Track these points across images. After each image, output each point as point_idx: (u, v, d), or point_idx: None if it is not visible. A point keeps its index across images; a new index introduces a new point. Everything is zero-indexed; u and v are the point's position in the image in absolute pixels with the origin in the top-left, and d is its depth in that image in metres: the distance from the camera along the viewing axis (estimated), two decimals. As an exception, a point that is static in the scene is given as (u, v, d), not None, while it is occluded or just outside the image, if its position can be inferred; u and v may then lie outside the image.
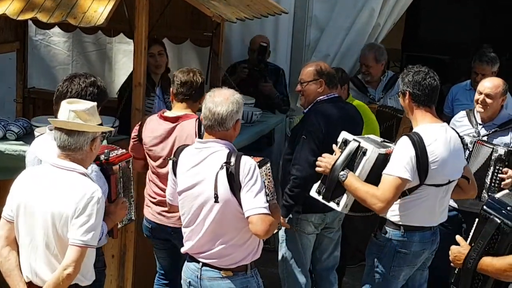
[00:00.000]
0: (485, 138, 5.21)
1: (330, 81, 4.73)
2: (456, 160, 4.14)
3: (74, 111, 3.41)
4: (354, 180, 4.04)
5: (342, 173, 4.07)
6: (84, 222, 3.33)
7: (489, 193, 4.94)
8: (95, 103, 3.54)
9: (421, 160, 3.95)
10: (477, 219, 3.47)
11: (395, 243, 4.15)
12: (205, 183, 3.62)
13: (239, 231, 3.62)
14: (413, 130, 4.09)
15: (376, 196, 3.96)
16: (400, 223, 4.11)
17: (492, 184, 4.98)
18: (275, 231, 3.91)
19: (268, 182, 3.73)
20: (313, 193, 4.27)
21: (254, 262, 3.76)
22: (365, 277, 4.32)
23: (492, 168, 4.94)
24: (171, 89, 4.58)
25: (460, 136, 4.24)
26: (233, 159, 3.57)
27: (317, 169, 4.22)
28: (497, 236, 3.37)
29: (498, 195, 3.50)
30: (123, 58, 6.67)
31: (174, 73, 4.59)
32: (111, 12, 4.48)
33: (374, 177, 4.04)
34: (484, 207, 3.43)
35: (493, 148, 4.95)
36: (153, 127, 4.52)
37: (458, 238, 3.57)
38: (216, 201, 3.56)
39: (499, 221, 3.35)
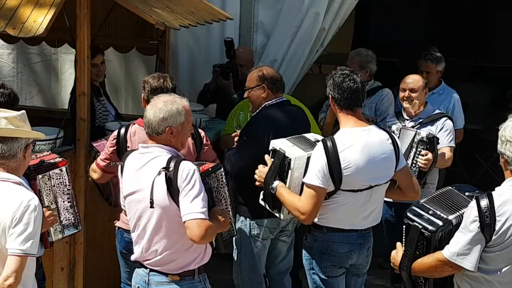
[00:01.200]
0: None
1: (273, 86, 4.72)
2: (380, 164, 4.02)
3: (6, 118, 3.38)
4: (282, 192, 4.05)
5: (272, 186, 4.09)
6: (22, 231, 3.28)
7: None
8: (24, 111, 3.51)
9: (333, 167, 3.89)
10: (404, 226, 3.48)
11: (320, 244, 4.12)
12: (145, 189, 3.61)
13: (182, 236, 3.60)
14: (333, 135, 4.07)
15: (298, 209, 3.97)
16: (322, 224, 4.09)
17: (412, 166, 5.18)
18: (227, 236, 3.96)
19: (221, 187, 3.73)
20: (260, 200, 4.28)
21: (203, 267, 3.75)
22: (308, 281, 4.31)
23: (414, 149, 5.17)
24: (142, 95, 4.52)
25: (391, 136, 4.14)
26: (172, 164, 3.56)
27: (256, 183, 4.24)
28: (422, 241, 3.40)
29: (422, 200, 3.51)
30: (70, 69, 6.61)
31: (144, 79, 4.54)
32: (51, 22, 4.44)
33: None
34: (407, 213, 3.43)
35: (416, 132, 5.24)
36: (141, 136, 4.30)
37: (398, 244, 3.57)
38: (152, 206, 3.55)
39: (420, 226, 3.38)
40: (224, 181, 3.75)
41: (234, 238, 4.93)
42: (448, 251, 3.31)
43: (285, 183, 4.09)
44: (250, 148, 4.55)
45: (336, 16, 6.38)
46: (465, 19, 10.28)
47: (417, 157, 5.21)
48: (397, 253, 3.57)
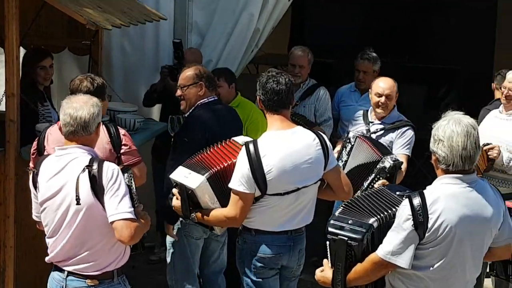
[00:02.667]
0: (374, 136, 5.41)
1: (210, 84, 4.75)
2: (305, 167, 4.01)
3: None
4: (203, 218, 4.08)
5: (191, 217, 4.11)
6: None
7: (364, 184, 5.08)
8: None
9: (256, 172, 3.89)
10: (328, 242, 3.47)
11: (250, 246, 4.13)
12: (67, 188, 3.56)
13: (104, 236, 3.58)
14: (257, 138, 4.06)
15: (227, 217, 3.99)
16: (250, 227, 4.09)
17: (368, 188, 5.06)
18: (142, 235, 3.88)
19: (132, 189, 3.69)
20: (195, 224, 4.30)
21: (121, 269, 3.72)
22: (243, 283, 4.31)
23: (373, 175, 5.03)
24: None
25: (319, 137, 4.09)
26: (95, 164, 3.54)
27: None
28: (351, 252, 3.41)
29: (337, 212, 3.51)
30: (0, 70, 6.45)
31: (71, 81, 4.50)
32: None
33: (226, 193, 4.03)
34: (329, 229, 3.44)
35: (381, 158, 5.03)
36: (56, 137, 4.33)
37: (324, 261, 3.57)
38: (78, 203, 3.51)
39: (346, 239, 3.39)
40: (133, 182, 3.69)
41: (167, 239, 4.92)
42: (382, 251, 3.34)
43: (200, 207, 4.09)
44: (187, 152, 4.51)
45: (270, 17, 6.41)
46: (399, 21, 10.44)
47: (374, 183, 5.08)
48: (325, 272, 3.53)
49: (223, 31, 6.35)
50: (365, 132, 5.47)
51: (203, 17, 6.39)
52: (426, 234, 3.29)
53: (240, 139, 4.23)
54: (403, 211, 3.32)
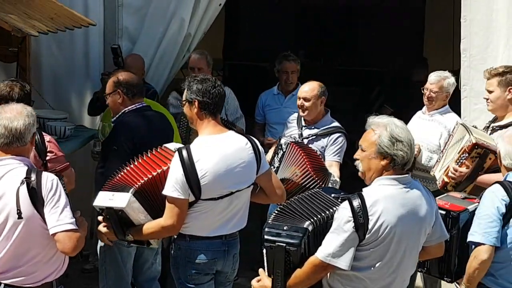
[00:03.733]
0: (305, 141, 5.44)
1: (129, 91, 4.70)
2: (238, 171, 4.00)
3: None
4: (138, 234, 4.01)
5: (127, 239, 4.04)
6: None
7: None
8: None
9: (191, 177, 3.85)
10: (264, 250, 3.46)
11: (184, 253, 4.10)
12: (5, 200, 3.49)
13: (44, 247, 3.53)
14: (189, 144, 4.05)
15: (163, 226, 3.93)
16: (185, 233, 4.05)
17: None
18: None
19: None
20: (130, 245, 4.27)
21: (59, 280, 3.68)
22: None
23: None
24: None
25: (251, 142, 4.10)
26: (33, 175, 3.48)
27: (109, 243, 4.20)
28: (289, 258, 3.41)
29: (270, 219, 3.50)
30: None
31: None
32: None
33: (157, 204, 3.99)
34: (265, 236, 3.42)
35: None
36: None
37: (260, 271, 3.56)
38: (20, 217, 3.44)
39: (284, 245, 3.38)
40: (66, 189, 3.63)
41: (98, 247, 4.86)
42: (322, 253, 3.37)
43: (133, 224, 4.01)
44: (117, 159, 4.46)
45: (201, 22, 6.40)
46: (332, 25, 10.61)
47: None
48: (263, 281, 3.52)
49: (154, 36, 6.32)
50: (297, 137, 5.51)
51: (133, 22, 6.35)
52: (367, 236, 3.33)
53: (172, 145, 4.18)
54: (343, 213, 3.34)
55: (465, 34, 5.65)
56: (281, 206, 3.58)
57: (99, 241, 4.78)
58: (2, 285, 3.58)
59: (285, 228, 3.40)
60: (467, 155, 4.62)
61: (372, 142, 3.43)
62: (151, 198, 3.96)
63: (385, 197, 3.37)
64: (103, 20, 6.31)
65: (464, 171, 4.65)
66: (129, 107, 4.69)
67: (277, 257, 3.39)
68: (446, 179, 4.83)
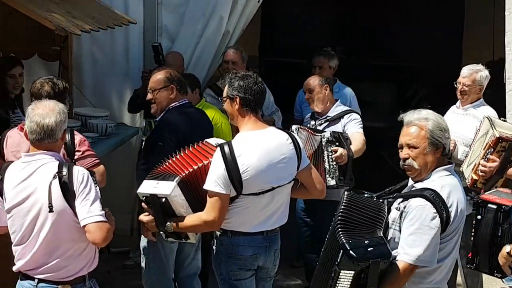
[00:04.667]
0: (320, 128, 5.58)
1: (180, 87, 4.77)
2: (280, 166, 4.00)
3: None
4: (180, 226, 4.01)
5: (167, 227, 4.05)
6: None
7: (331, 176, 5.26)
8: None
9: (232, 172, 3.87)
10: (346, 271, 3.30)
11: (226, 248, 4.11)
12: (37, 195, 3.54)
13: (75, 241, 3.58)
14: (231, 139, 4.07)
15: (204, 220, 3.94)
16: (227, 228, 4.07)
17: (331, 167, 5.29)
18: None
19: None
20: (165, 238, 4.22)
21: (91, 273, 3.71)
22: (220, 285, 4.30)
23: (326, 152, 5.29)
24: None
25: (292, 137, 4.11)
26: (65, 169, 3.53)
27: (148, 231, 4.21)
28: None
29: (343, 240, 3.31)
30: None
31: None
32: None
33: (198, 198, 4.00)
34: (355, 256, 3.25)
35: (321, 135, 5.35)
36: (15, 141, 4.35)
37: None
38: (51, 210, 3.50)
39: (378, 259, 3.29)
40: (97, 184, 3.68)
41: (141, 243, 4.92)
42: (410, 256, 3.33)
43: (175, 215, 4.04)
44: (162, 155, 4.50)
45: (240, 19, 6.43)
46: (369, 20, 10.53)
47: (332, 157, 5.31)
48: None
49: (192, 34, 6.36)
50: (312, 126, 5.67)
51: (172, 20, 6.40)
52: (447, 228, 3.35)
53: (213, 140, 4.22)
54: (425, 210, 3.32)
55: (509, 27, 5.59)
56: (340, 220, 3.43)
57: (142, 237, 4.85)
58: (36, 280, 3.62)
59: (366, 242, 3.31)
60: (492, 149, 4.59)
61: (423, 137, 3.44)
62: (194, 190, 3.99)
63: (452, 187, 3.41)
64: (142, 18, 6.37)
65: (493, 165, 4.61)
66: (173, 104, 4.74)
67: (371, 273, 3.28)
68: (475, 177, 4.78)
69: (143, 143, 5.03)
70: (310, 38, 10.42)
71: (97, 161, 4.31)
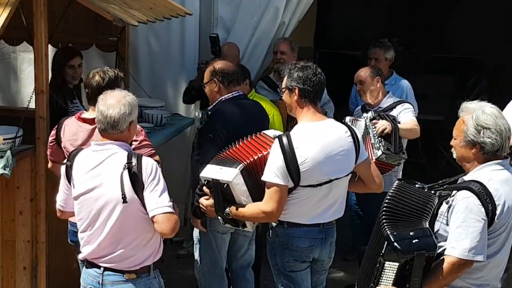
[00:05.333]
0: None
1: (225, 79, 4.74)
2: (338, 158, 3.99)
3: None
4: (238, 213, 4.04)
5: (226, 213, 4.08)
6: None
7: (377, 147, 5.23)
8: None
9: (290, 164, 3.87)
10: (391, 263, 3.27)
11: (282, 239, 4.11)
12: (106, 185, 3.59)
13: (142, 231, 3.62)
14: (289, 131, 4.04)
15: (263, 210, 3.95)
16: (283, 219, 4.06)
17: (375, 140, 5.27)
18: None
19: None
20: (222, 224, 4.26)
21: (155, 264, 3.75)
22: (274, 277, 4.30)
23: (370, 130, 5.30)
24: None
25: (350, 130, 4.10)
26: (134, 160, 3.57)
27: (206, 215, 4.31)
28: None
29: (387, 231, 3.27)
30: (28, 67, 6.53)
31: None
32: (7, 20, 4.40)
33: (258, 187, 4.01)
34: (399, 248, 3.23)
35: (364, 118, 5.40)
36: (72, 130, 4.42)
37: None
38: (125, 201, 3.54)
39: (423, 251, 3.25)
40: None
41: (194, 233, 4.95)
42: (458, 250, 3.26)
43: (234, 202, 4.06)
44: (212, 146, 4.53)
45: (296, 10, 6.39)
46: (426, 12, 10.38)
47: (374, 131, 5.29)
48: None
49: (248, 25, 6.35)
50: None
51: (228, 11, 6.40)
52: (494, 222, 3.27)
53: (271, 132, 4.22)
54: (469, 203, 3.26)
55: None
56: (385, 210, 3.39)
57: (195, 228, 4.88)
58: (102, 268, 3.68)
59: (411, 234, 3.28)
60: None
61: (461, 130, 3.39)
62: (255, 179, 4.00)
63: (502, 182, 3.32)
64: (199, 9, 6.39)
65: None
66: (226, 96, 4.74)
67: (416, 265, 3.24)
68: None
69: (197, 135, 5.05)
70: (366, 29, 10.33)
71: (153, 151, 4.35)
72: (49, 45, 5.97)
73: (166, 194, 3.56)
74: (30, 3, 4.72)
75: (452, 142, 3.47)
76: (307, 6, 6.46)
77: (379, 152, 5.21)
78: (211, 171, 4.06)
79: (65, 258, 5.11)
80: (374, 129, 5.29)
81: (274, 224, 4.13)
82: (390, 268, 3.28)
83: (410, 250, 3.23)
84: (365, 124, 5.36)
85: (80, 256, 3.79)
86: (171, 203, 3.56)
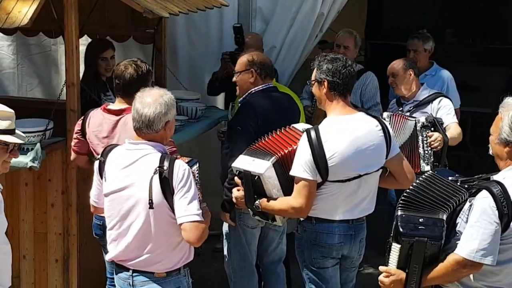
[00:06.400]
0: (407, 114, 5.44)
1: (262, 71, 4.66)
2: (368, 153, 3.90)
3: None
4: (267, 206, 3.99)
5: (255, 205, 4.01)
6: None
7: (426, 162, 5.14)
8: None
9: (318, 158, 3.79)
10: (395, 244, 3.25)
11: (310, 235, 4.04)
12: (137, 186, 3.53)
13: (169, 236, 3.55)
14: (318, 125, 3.95)
15: (292, 206, 3.89)
16: (311, 215, 3.98)
17: (426, 153, 5.16)
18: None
19: (196, 183, 3.65)
20: (252, 216, 4.24)
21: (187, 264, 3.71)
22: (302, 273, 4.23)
23: (420, 137, 5.18)
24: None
25: (382, 124, 4.00)
26: (166, 163, 3.48)
27: (236, 206, 4.27)
28: (425, 252, 3.23)
29: (399, 212, 3.27)
30: (62, 59, 6.56)
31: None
32: (36, 12, 4.42)
33: (290, 182, 3.93)
34: (402, 230, 3.21)
35: (415, 120, 5.23)
36: (97, 121, 4.41)
37: (384, 268, 3.33)
38: (151, 207, 3.48)
39: (425, 239, 3.18)
40: (198, 176, 3.64)
41: (223, 228, 4.89)
42: (465, 250, 3.16)
43: (265, 195, 4.00)
44: (241, 139, 4.46)
45: (335, 1, 6.25)
46: (480, 2, 10.09)
47: (426, 143, 5.18)
48: (397, 275, 3.27)
49: (286, 16, 6.24)
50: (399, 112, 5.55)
51: (267, 2, 6.31)
52: (510, 227, 3.13)
53: (301, 126, 4.13)
54: (484, 203, 3.14)
55: None
56: (405, 195, 3.35)
57: (224, 223, 4.82)
58: (131, 270, 3.63)
59: (420, 220, 3.21)
60: None
61: (498, 127, 3.24)
62: (286, 172, 3.93)
63: None
64: (237, 1, 6.31)
65: None
66: (256, 88, 4.65)
67: (416, 251, 3.19)
68: None
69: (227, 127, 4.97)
70: (419, 20, 10.10)
71: (174, 148, 4.30)
72: (87, 37, 6.03)
73: (195, 202, 3.47)
74: (61, -5, 4.72)
75: (490, 138, 3.34)
76: (346, -2, 6.31)
77: (427, 168, 5.13)
78: (243, 162, 4.02)
79: (97, 250, 5.10)
80: (426, 139, 5.18)
81: (301, 219, 4.04)
82: (395, 250, 3.26)
83: (412, 235, 3.19)
84: (415, 127, 5.22)
85: (107, 258, 3.76)
86: (200, 211, 3.47)
